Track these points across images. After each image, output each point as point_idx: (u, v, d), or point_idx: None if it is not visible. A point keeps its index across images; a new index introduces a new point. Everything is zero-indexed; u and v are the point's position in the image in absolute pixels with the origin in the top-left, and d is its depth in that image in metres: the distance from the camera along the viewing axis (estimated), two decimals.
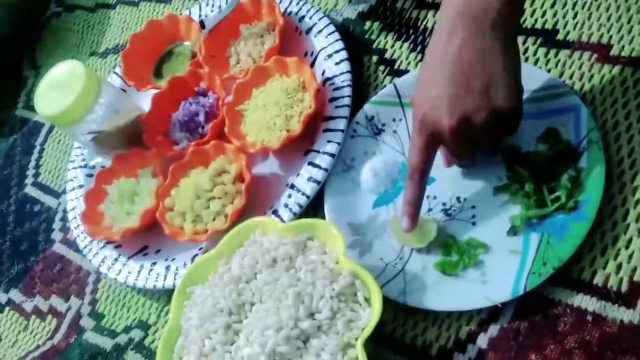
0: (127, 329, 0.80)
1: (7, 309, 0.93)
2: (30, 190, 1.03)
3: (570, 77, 0.68)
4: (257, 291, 0.63)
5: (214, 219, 0.76)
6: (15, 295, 0.94)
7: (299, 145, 0.77)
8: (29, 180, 1.05)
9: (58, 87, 0.83)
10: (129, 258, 0.82)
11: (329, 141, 0.75)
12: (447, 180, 0.68)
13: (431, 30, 0.79)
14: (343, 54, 0.80)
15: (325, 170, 0.73)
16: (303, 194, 0.74)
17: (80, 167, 0.94)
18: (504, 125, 0.60)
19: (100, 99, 0.83)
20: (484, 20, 0.56)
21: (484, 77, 0.56)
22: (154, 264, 0.80)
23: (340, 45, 0.81)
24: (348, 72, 0.78)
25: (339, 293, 0.60)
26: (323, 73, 0.80)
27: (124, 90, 0.94)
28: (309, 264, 0.62)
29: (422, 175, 0.62)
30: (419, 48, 0.79)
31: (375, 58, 0.81)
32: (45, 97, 0.84)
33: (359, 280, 0.61)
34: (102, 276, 0.86)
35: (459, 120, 0.57)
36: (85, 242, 0.87)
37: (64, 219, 0.95)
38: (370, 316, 0.58)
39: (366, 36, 0.83)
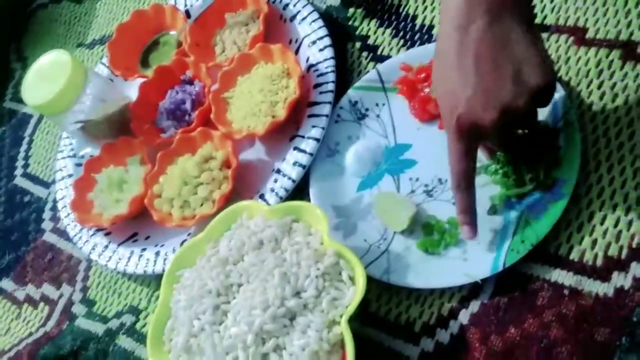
0: (118, 314, 0.81)
1: None
2: (20, 181, 1.04)
3: None
4: (244, 272, 0.64)
5: (202, 205, 0.77)
6: (7, 284, 0.95)
7: (284, 131, 0.78)
8: (18, 171, 1.06)
9: (45, 77, 0.84)
10: (119, 245, 0.84)
11: (313, 126, 0.76)
12: (429, 162, 0.70)
13: (413, 17, 0.80)
14: (327, 41, 0.81)
15: (311, 154, 0.75)
16: (289, 178, 0.75)
17: (69, 156, 0.95)
18: (539, 100, 0.56)
19: (88, 89, 0.84)
20: (501, 4, 0.53)
21: (513, 60, 0.53)
22: (144, 250, 0.81)
23: (323, 32, 0.82)
24: (332, 58, 0.80)
25: (324, 272, 0.61)
26: (307, 60, 0.81)
27: (112, 80, 0.95)
28: (294, 245, 0.64)
29: (470, 182, 0.59)
30: (400, 34, 0.80)
31: (358, 44, 0.83)
32: (33, 87, 0.84)
33: (343, 259, 0.62)
34: (93, 263, 0.88)
35: (500, 112, 0.53)
36: (76, 230, 0.88)
37: (54, 208, 0.96)
38: (354, 294, 0.60)
39: (349, 23, 0.85)
